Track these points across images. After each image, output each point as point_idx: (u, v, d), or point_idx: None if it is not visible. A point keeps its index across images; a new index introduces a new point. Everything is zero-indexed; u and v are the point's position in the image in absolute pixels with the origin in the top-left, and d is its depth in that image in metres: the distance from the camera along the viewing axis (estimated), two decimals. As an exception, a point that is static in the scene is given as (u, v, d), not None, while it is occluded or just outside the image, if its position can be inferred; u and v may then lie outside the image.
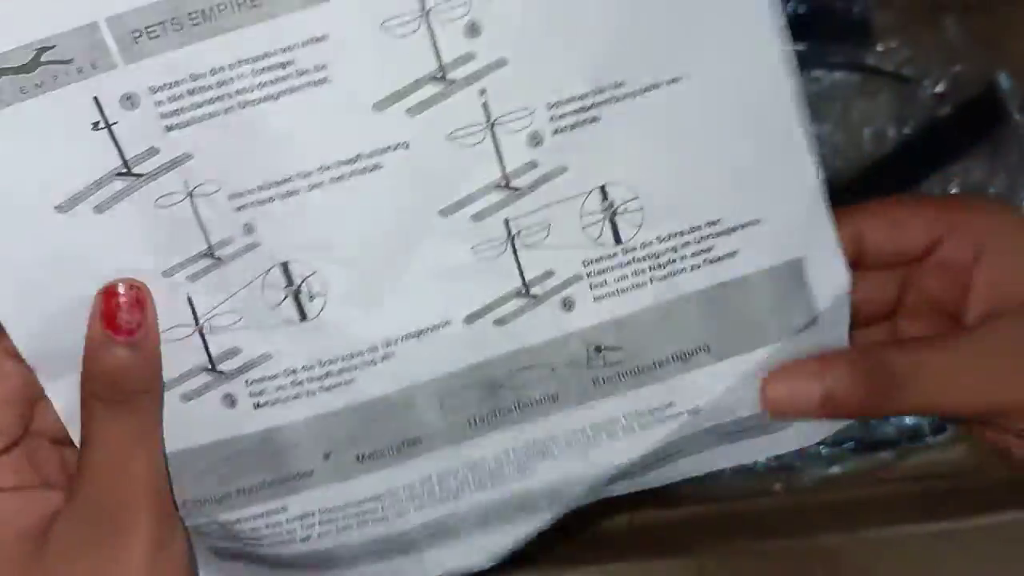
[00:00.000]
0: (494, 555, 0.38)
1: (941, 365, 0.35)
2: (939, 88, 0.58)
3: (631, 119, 0.33)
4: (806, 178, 0.34)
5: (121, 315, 0.32)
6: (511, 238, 0.34)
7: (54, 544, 0.34)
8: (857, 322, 0.37)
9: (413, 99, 0.32)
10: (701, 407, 0.36)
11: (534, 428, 0.36)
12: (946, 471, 0.56)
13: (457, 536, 0.37)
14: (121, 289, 0.32)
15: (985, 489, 0.54)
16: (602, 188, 0.34)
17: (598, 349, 0.35)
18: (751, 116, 0.33)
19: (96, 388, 0.33)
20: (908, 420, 0.57)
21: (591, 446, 0.36)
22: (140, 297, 0.32)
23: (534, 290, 0.34)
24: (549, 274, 0.34)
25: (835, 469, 0.56)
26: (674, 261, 0.34)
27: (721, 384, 0.36)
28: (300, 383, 0.34)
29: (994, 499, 0.50)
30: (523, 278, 0.34)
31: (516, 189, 0.33)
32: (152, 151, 0.31)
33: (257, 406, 0.34)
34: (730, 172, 0.34)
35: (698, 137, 0.33)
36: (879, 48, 0.59)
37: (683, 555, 0.49)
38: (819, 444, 0.47)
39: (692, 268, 0.35)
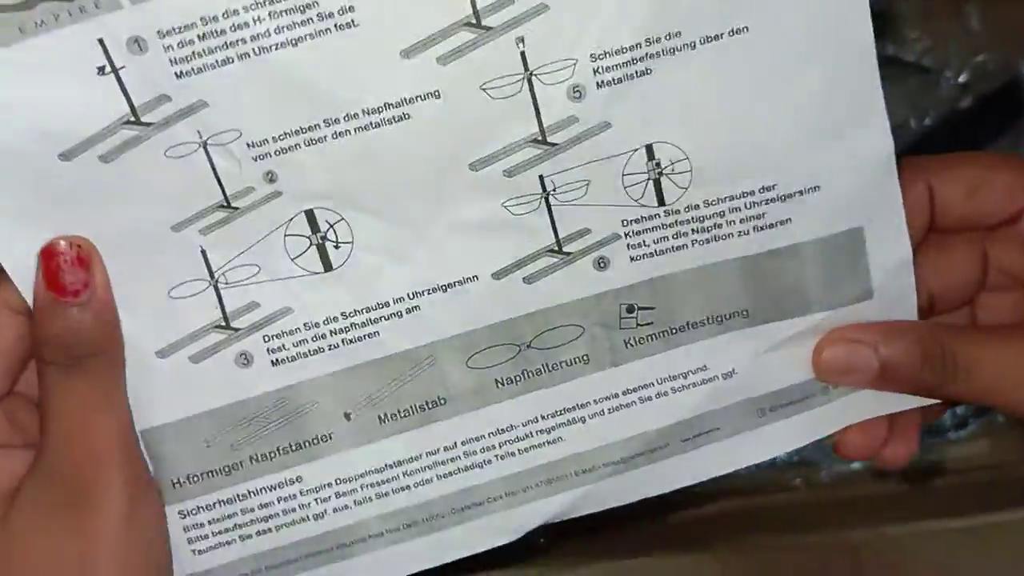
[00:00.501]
0: (520, 531, 0.36)
1: (1002, 360, 0.33)
2: (961, 78, 0.57)
3: (686, 73, 0.31)
4: (880, 141, 0.32)
5: (64, 275, 0.30)
6: (546, 195, 0.32)
7: (18, 513, 0.32)
8: (936, 310, 0.36)
9: (445, 46, 0.30)
10: (736, 371, 0.35)
11: (564, 392, 0.35)
12: (968, 467, 0.55)
13: (481, 511, 0.36)
14: (62, 247, 0.30)
15: (1009, 485, 0.53)
16: (648, 147, 0.32)
17: (630, 309, 0.34)
18: (826, 72, 0.31)
19: (47, 353, 0.31)
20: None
21: (623, 410, 0.35)
22: (83, 255, 0.31)
23: (567, 247, 0.33)
24: (584, 232, 0.33)
25: (856, 464, 0.55)
26: (720, 226, 0.33)
27: (759, 349, 0.34)
28: (322, 336, 0.33)
29: (1018, 495, 0.50)
30: (556, 235, 0.33)
31: (553, 145, 0.31)
32: (163, 98, 0.29)
33: (275, 363, 0.33)
34: (793, 134, 0.32)
35: (761, 94, 0.31)
36: (900, 38, 0.58)
37: (703, 550, 0.49)
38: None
39: (739, 234, 0.33)
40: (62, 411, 0.32)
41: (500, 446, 0.35)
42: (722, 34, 0.30)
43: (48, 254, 0.30)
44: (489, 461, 0.35)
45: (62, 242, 0.30)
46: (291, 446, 0.34)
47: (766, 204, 0.32)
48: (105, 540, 0.32)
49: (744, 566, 0.49)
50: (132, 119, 0.30)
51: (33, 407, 0.34)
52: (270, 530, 0.35)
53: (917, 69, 0.58)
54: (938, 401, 0.35)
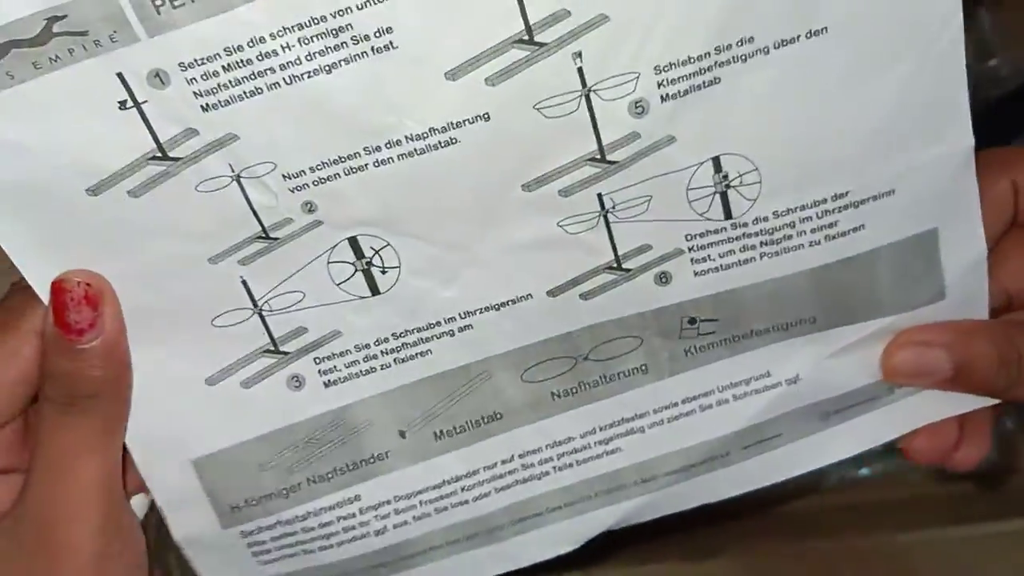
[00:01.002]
0: (581, 539, 0.36)
1: None
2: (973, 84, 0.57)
3: (758, 80, 0.28)
4: (961, 140, 0.29)
5: (69, 314, 0.29)
6: (604, 212, 0.30)
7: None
8: (1013, 307, 0.34)
9: (494, 66, 0.27)
10: (800, 376, 0.33)
11: (622, 402, 0.34)
12: (977, 473, 0.56)
13: (541, 521, 0.35)
14: (70, 284, 0.29)
15: (1017, 492, 0.52)
16: (715, 159, 0.29)
17: (692, 321, 0.32)
18: (912, 71, 0.28)
19: (48, 389, 0.30)
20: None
21: (682, 419, 0.34)
22: (92, 294, 0.29)
23: (627, 264, 0.31)
24: (645, 248, 0.31)
25: (864, 471, 0.55)
26: (790, 237, 0.31)
27: (824, 353, 0.33)
28: (374, 356, 0.32)
29: (1027, 503, 0.49)
30: (615, 252, 0.31)
31: (613, 163, 0.29)
32: (189, 132, 0.27)
33: (327, 384, 0.32)
34: (871, 138, 0.29)
35: (839, 99, 0.28)
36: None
37: (712, 557, 0.49)
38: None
39: (810, 244, 0.31)
40: (51, 448, 0.31)
41: (558, 458, 0.34)
42: (798, 36, 0.28)
43: (57, 290, 0.29)
44: (547, 473, 0.34)
45: (72, 278, 0.29)
46: (348, 466, 0.34)
47: (838, 212, 0.30)
48: None
49: (753, 573, 0.49)
50: (159, 154, 0.28)
51: None
52: (331, 546, 0.35)
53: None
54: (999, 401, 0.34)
